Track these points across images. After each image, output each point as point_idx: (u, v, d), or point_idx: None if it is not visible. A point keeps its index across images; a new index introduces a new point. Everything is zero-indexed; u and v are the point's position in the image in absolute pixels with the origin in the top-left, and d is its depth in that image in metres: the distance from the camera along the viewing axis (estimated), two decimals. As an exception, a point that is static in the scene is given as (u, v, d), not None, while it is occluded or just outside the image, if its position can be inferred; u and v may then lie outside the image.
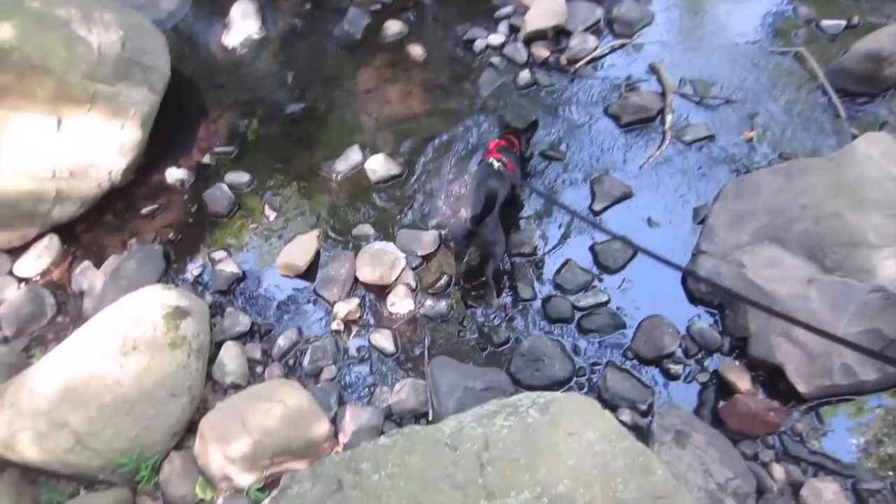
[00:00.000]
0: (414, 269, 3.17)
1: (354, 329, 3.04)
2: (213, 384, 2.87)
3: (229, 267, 3.27)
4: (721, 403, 2.59)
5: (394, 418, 2.71)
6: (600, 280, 3.05)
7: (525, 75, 3.90)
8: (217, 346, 2.95)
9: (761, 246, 2.81)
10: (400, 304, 3.06)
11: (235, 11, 4.45)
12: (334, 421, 2.68)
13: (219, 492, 2.48)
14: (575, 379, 2.77)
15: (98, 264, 3.32)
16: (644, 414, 2.62)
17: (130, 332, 2.59)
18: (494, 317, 3.01)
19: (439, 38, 4.22)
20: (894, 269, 2.49)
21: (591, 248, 3.15)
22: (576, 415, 1.97)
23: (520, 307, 3.02)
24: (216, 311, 3.13)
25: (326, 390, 2.80)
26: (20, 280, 3.36)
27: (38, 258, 3.39)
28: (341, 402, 2.78)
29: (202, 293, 3.21)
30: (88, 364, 2.52)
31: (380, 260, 3.09)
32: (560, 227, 3.27)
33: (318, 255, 3.28)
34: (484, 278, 3.02)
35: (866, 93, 3.52)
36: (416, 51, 4.14)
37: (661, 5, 4.20)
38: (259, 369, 2.96)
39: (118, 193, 3.62)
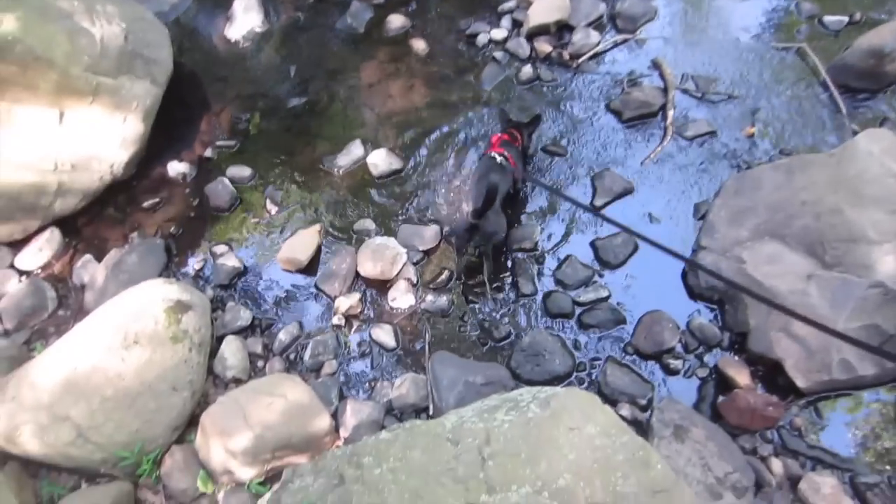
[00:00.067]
0: (415, 264, 3.17)
1: (355, 324, 3.05)
2: (214, 378, 2.88)
3: (230, 261, 3.27)
4: (720, 398, 2.59)
5: (394, 413, 2.73)
6: (601, 275, 3.05)
7: (527, 70, 3.90)
8: (218, 340, 2.97)
9: (761, 242, 2.81)
10: (401, 298, 3.06)
11: (238, 4, 4.44)
12: (335, 415, 2.69)
13: (220, 485, 2.50)
14: (575, 374, 2.78)
15: (99, 258, 3.33)
16: (644, 409, 2.63)
17: (132, 326, 2.60)
18: (495, 312, 3.01)
19: (442, 33, 4.21)
20: (893, 265, 2.49)
21: (592, 244, 3.16)
22: (576, 410, 1.99)
23: (520, 302, 3.03)
24: (217, 305, 3.14)
25: (327, 385, 2.81)
26: (21, 273, 3.37)
27: (40, 251, 3.39)
28: (342, 397, 2.79)
29: (203, 287, 3.22)
30: (90, 357, 2.53)
31: (381, 255, 3.09)
32: (561, 222, 3.27)
33: (319, 249, 3.28)
34: (484, 270, 3.02)
35: (868, 89, 3.51)
36: (419, 45, 4.14)
37: (664, 0, 4.19)
38: (260, 363, 2.97)
39: (120, 186, 3.63)
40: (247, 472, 2.45)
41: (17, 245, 3.42)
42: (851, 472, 2.38)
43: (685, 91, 3.68)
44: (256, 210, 3.54)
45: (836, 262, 2.60)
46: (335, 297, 3.10)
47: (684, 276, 2.99)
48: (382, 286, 3.12)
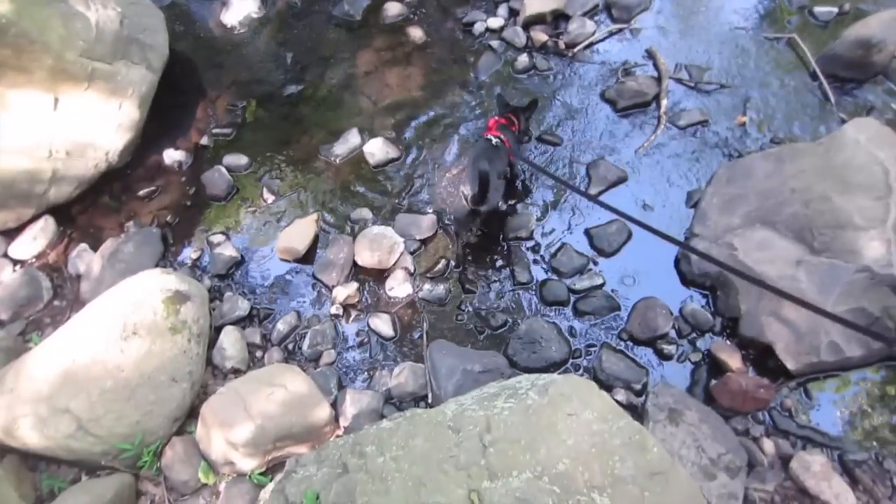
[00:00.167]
0: (412, 253, 3.19)
1: (353, 313, 3.07)
2: (213, 369, 2.88)
3: (228, 251, 3.26)
4: (713, 382, 2.65)
5: (393, 402, 2.75)
6: (595, 263, 3.09)
7: (523, 59, 3.90)
8: (216, 330, 2.96)
9: (752, 229, 2.86)
10: (398, 288, 3.08)
11: (234, -11, 4.37)
12: (334, 405, 2.70)
13: (221, 476, 2.51)
14: (571, 360, 2.82)
15: (95, 247, 3.30)
16: (639, 393, 2.68)
17: (131, 317, 2.59)
18: (492, 300, 3.04)
19: (439, 21, 4.19)
20: (879, 250, 2.55)
21: (587, 232, 3.19)
22: (574, 396, 2.02)
23: (516, 291, 3.06)
24: (215, 295, 3.14)
25: (326, 374, 2.82)
26: (15, 262, 3.33)
27: (34, 240, 3.35)
28: (341, 386, 2.81)
29: (200, 277, 3.21)
30: (89, 349, 2.52)
31: (378, 244, 3.10)
32: (556, 211, 3.30)
33: (316, 239, 3.28)
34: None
35: (855, 78, 3.57)
36: (416, 33, 4.11)
37: (658, -10, 4.21)
38: (259, 354, 2.97)
39: (115, 174, 3.58)
40: (248, 463, 2.47)
41: (10, 234, 3.37)
42: (840, 450, 2.46)
43: (678, 80, 3.71)
44: (253, 199, 3.53)
45: (824, 248, 2.65)
46: (333, 287, 3.11)
47: (677, 263, 3.04)
48: (380, 275, 3.13)
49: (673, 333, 2.82)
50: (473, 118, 3.72)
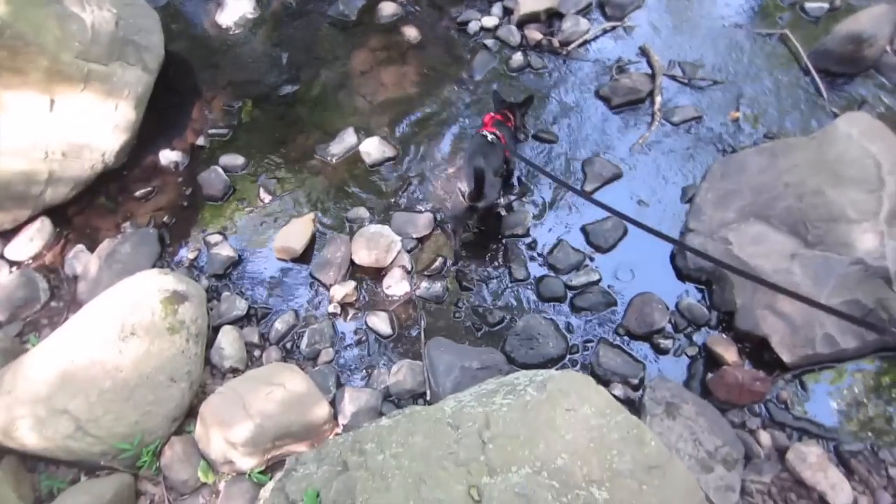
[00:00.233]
0: (409, 251, 3.19)
1: (351, 312, 3.07)
2: (211, 368, 2.88)
3: (225, 250, 3.26)
4: (709, 375, 2.67)
5: (392, 399, 2.76)
6: (592, 259, 3.11)
7: (518, 58, 3.92)
8: (214, 330, 2.96)
9: (747, 223, 2.89)
10: (396, 286, 3.09)
11: (229, -11, 4.37)
12: (333, 403, 2.71)
13: (221, 476, 2.52)
14: (568, 356, 2.84)
15: (91, 248, 3.29)
16: (636, 388, 2.70)
17: (129, 318, 2.59)
18: (489, 297, 3.06)
19: (433, 20, 4.20)
20: (872, 243, 2.57)
21: (583, 229, 3.21)
22: (572, 391, 2.03)
23: (513, 287, 3.07)
24: (212, 295, 3.13)
25: (325, 373, 2.83)
26: (12, 264, 3.32)
27: (30, 241, 3.34)
28: (339, 385, 2.82)
29: (198, 277, 3.21)
30: (87, 350, 2.52)
31: (375, 243, 3.11)
32: (552, 208, 3.31)
33: (313, 238, 3.28)
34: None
35: (847, 73, 3.60)
36: (411, 32, 4.12)
37: (651, -13, 4.23)
38: (257, 353, 2.97)
39: (111, 175, 3.57)
40: (247, 462, 2.47)
41: (6, 235, 3.36)
42: (836, 441, 2.49)
43: (672, 77, 3.73)
44: (250, 199, 3.53)
45: (818, 241, 2.68)
46: (330, 286, 3.11)
47: (673, 258, 3.06)
48: (377, 274, 3.14)
49: (669, 328, 2.84)
50: (469, 116, 3.73)
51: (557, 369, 2.74)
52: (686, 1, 4.16)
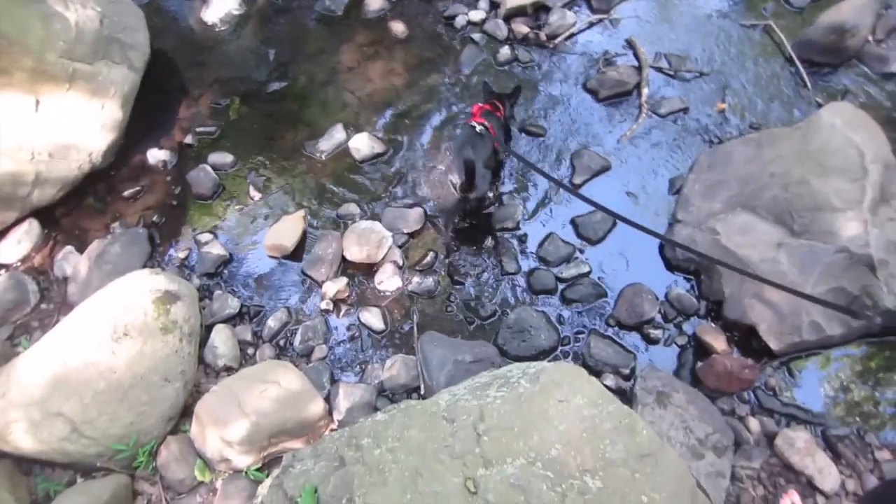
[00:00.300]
0: (400, 246, 3.20)
1: (344, 308, 3.08)
2: (205, 367, 2.88)
3: (216, 249, 3.25)
4: (699, 364, 2.72)
5: (386, 394, 2.77)
6: (582, 251, 3.14)
7: (505, 51, 3.92)
8: (207, 329, 2.96)
9: (734, 213, 2.92)
10: (388, 281, 3.10)
11: (214, -15, 4.31)
12: (328, 399, 2.72)
13: (217, 474, 2.53)
14: (560, 348, 2.87)
15: (81, 249, 3.26)
16: (627, 378, 2.74)
17: (121, 319, 2.58)
18: (480, 291, 3.08)
19: (420, 15, 4.18)
20: (856, 231, 2.61)
21: (573, 221, 3.23)
22: (564, 383, 2.05)
23: (505, 280, 3.09)
24: (204, 294, 3.12)
25: (319, 369, 2.83)
26: (0, 267, 3.28)
27: (18, 243, 3.30)
28: (334, 381, 2.83)
29: (189, 276, 3.19)
30: (80, 351, 2.51)
31: (367, 239, 3.11)
32: (542, 201, 3.33)
33: (304, 235, 3.28)
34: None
35: (830, 63, 3.65)
36: (398, 27, 4.10)
37: (636, -20, 4.24)
38: (250, 351, 2.97)
39: (99, 175, 3.53)
40: (244, 460, 2.48)
41: (-6, 238, 3.32)
42: (823, 426, 2.54)
43: (658, 69, 3.75)
44: (240, 197, 3.51)
45: (803, 230, 2.72)
46: (322, 282, 3.11)
47: (661, 248, 3.09)
48: (369, 270, 3.15)
49: (659, 318, 2.88)
50: (457, 110, 3.73)
51: (550, 361, 2.77)
52: (671, -7, 4.18)
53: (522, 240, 3.21)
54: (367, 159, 3.56)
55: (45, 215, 3.41)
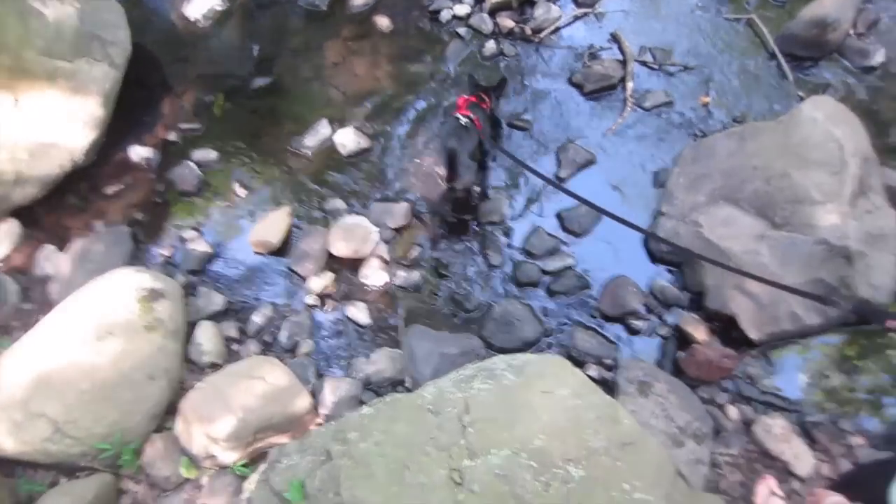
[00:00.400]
0: (387, 241, 3.20)
1: (330, 303, 3.07)
2: (189, 364, 2.86)
3: (200, 246, 3.23)
4: (680, 354, 2.75)
5: (372, 388, 2.77)
6: (566, 244, 3.16)
7: (491, 45, 3.91)
8: (192, 326, 2.93)
9: (717, 206, 2.95)
10: (374, 276, 3.10)
11: (195, -20, 4.26)
12: (314, 394, 2.71)
13: (203, 470, 2.51)
14: (544, 339, 2.89)
15: (63, 248, 3.22)
16: (610, 368, 2.76)
17: (105, 317, 2.56)
18: (466, 284, 3.09)
19: (405, 9, 4.15)
20: (835, 223, 2.65)
21: (558, 215, 3.25)
22: (548, 374, 2.08)
23: (490, 273, 3.11)
24: (189, 290, 3.10)
25: (304, 364, 2.83)
26: (-21, 268, 3.24)
27: (-1, 244, 3.26)
28: (319, 375, 2.82)
29: (173, 273, 3.16)
30: (63, 351, 2.49)
31: (352, 234, 3.11)
32: (527, 195, 3.35)
33: (290, 230, 3.26)
34: None
35: (812, 57, 3.68)
36: (383, 22, 4.08)
37: (621, -27, 4.25)
38: (235, 347, 2.96)
39: (81, 174, 3.47)
40: (230, 456, 2.47)
41: (-28, 239, 3.27)
42: (799, 413, 2.59)
43: (643, 63, 3.77)
44: (225, 193, 3.48)
45: (784, 223, 2.75)
46: (308, 278, 3.11)
47: (645, 241, 3.12)
48: (355, 265, 3.14)
49: (642, 309, 2.90)
50: (443, 105, 3.72)
51: (534, 352, 2.79)
52: (655, -14, 4.19)
53: (508, 233, 3.22)
54: (353, 154, 3.55)
55: (27, 215, 3.36)
